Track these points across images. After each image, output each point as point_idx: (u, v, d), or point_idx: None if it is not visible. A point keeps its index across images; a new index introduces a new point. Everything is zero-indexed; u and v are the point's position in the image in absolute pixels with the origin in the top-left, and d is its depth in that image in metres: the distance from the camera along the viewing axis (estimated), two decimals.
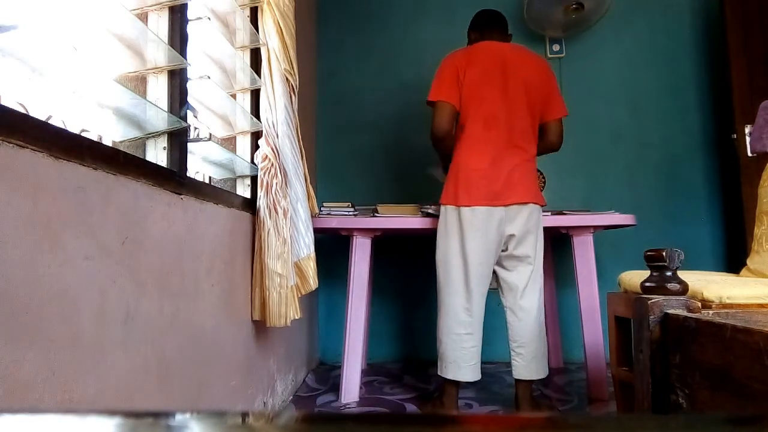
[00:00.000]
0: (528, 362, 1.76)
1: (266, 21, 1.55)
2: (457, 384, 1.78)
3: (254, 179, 1.61)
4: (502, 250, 1.80)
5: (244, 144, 1.64)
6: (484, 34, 1.90)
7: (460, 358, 1.75)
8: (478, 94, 1.77)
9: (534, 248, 1.80)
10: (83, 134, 0.85)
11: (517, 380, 1.80)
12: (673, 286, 1.00)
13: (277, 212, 1.48)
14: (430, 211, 2.03)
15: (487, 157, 1.75)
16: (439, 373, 1.79)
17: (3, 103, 0.64)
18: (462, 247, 1.76)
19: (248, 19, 1.56)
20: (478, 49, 1.82)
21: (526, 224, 1.77)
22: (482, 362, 2.58)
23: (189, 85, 1.20)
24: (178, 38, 1.13)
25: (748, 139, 2.37)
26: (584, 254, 2.07)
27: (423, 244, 2.72)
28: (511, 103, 1.77)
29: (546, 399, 1.98)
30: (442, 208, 1.83)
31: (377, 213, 2.06)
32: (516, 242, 1.78)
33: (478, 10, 2.06)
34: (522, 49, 1.88)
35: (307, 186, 1.75)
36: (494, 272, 1.84)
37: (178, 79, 1.12)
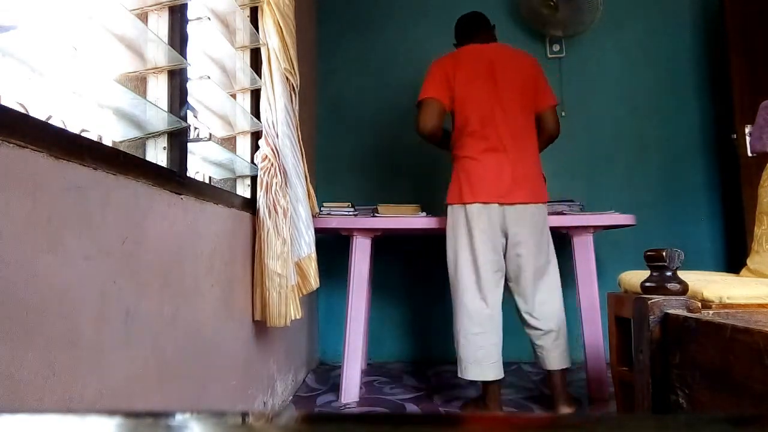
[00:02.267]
0: (549, 351, 1.77)
1: (266, 21, 1.55)
2: (498, 383, 1.77)
3: (254, 179, 1.61)
4: (506, 251, 1.80)
5: (244, 144, 1.64)
6: (466, 39, 1.93)
7: (481, 357, 1.73)
8: (470, 95, 1.79)
9: (538, 247, 1.79)
10: (83, 134, 0.85)
11: (548, 371, 1.80)
12: (673, 286, 1.00)
13: (276, 212, 1.49)
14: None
15: (487, 157, 1.77)
16: (459, 375, 1.77)
17: (3, 103, 0.64)
18: (471, 244, 1.77)
19: (248, 19, 1.56)
20: (463, 53, 1.86)
21: (528, 223, 1.77)
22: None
23: (189, 85, 1.20)
24: (178, 38, 1.13)
25: (748, 139, 2.37)
26: (584, 254, 2.07)
27: (423, 244, 2.72)
28: (504, 102, 1.79)
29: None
30: (449, 208, 1.84)
31: (377, 213, 2.06)
32: (518, 241, 1.78)
33: (481, 11, 2.04)
34: (507, 48, 1.90)
35: (307, 185, 1.75)
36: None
37: (178, 79, 1.12)
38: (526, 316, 1.80)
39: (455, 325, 1.79)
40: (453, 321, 1.81)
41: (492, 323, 1.76)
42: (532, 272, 1.79)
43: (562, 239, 2.44)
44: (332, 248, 2.59)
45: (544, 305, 1.79)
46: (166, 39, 1.10)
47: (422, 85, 1.86)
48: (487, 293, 1.76)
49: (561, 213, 2.09)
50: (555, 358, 1.77)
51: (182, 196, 1.08)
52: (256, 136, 1.64)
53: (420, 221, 2.03)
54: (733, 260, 2.60)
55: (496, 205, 1.75)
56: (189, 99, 1.20)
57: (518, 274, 1.80)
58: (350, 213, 2.07)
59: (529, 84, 1.85)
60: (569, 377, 1.98)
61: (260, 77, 1.60)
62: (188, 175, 1.16)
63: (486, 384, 1.77)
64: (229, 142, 1.62)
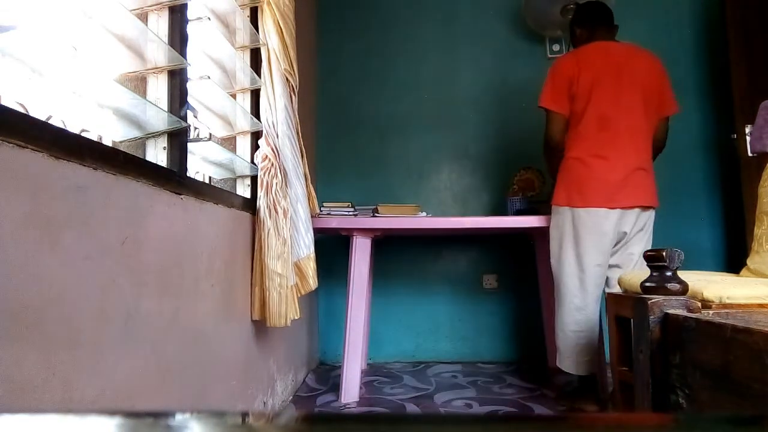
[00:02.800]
0: None
1: (266, 21, 1.55)
2: (592, 379, 1.82)
3: (254, 179, 1.61)
4: (615, 251, 1.82)
5: (244, 144, 1.64)
6: (593, 32, 1.88)
7: (576, 353, 1.79)
8: (591, 97, 1.77)
9: (640, 250, 1.79)
10: (83, 134, 0.85)
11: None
12: (673, 286, 1.01)
13: (277, 212, 1.48)
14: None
15: (597, 160, 1.76)
16: (557, 365, 1.85)
17: (3, 103, 0.64)
18: (576, 248, 1.78)
19: (248, 19, 1.56)
20: (588, 52, 1.81)
21: (639, 225, 1.79)
22: (482, 362, 2.60)
23: (189, 85, 1.20)
24: (178, 38, 1.13)
25: (748, 139, 2.37)
26: None
27: (423, 243, 2.72)
28: (627, 105, 1.77)
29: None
30: (554, 208, 1.85)
31: (377, 213, 2.06)
32: (626, 241, 1.80)
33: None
34: (634, 48, 1.85)
35: (307, 186, 1.75)
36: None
37: (178, 79, 1.12)
38: None
39: (556, 319, 1.85)
40: (555, 313, 1.86)
41: (589, 324, 1.80)
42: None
43: None
44: (332, 248, 2.59)
45: None
46: (166, 39, 1.10)
47: (546, 86, 1.84)
48: (588, 295, 1.79)
49: None
50: None
51: (182, 196, 1.08)
52: (256, 136, 1.64)
53: (420, 221, 2.03)
54: (733, 260, 2.60)
55: (605, 209, 1.75)
56: (189, 99, 1.20)
57: (615, 270, 1.81)
58: (350, 213, 2.07)
59: (655, 88, 1.82)
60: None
61: (260, 77, 1.60)
62: (188, 175, 1.16)
63: (581, 379, 1.83)
64: (229, 142, 1.62)
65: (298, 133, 1.71)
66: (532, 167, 2.53)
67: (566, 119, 1.83)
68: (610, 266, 1.83)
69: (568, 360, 1.80)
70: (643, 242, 1.82)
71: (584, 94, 1.77)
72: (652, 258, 1.05)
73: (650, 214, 1.83)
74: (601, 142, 1.76)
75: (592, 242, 1.76)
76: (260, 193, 1.49)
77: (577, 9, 1.96)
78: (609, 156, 1.74)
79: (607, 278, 1.84)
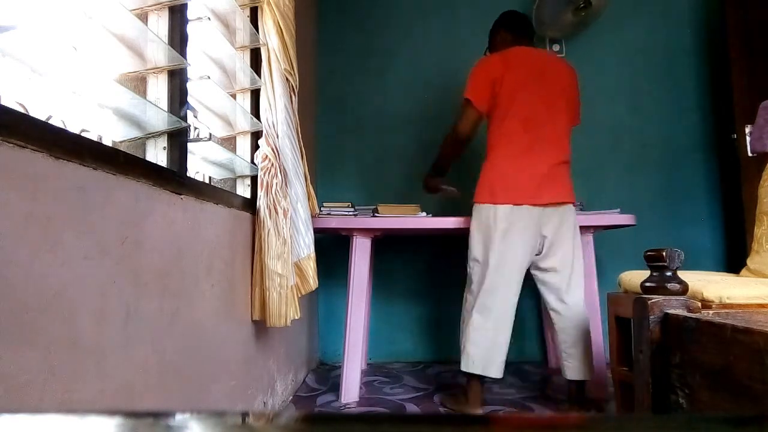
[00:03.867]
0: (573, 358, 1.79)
1: (266, 21, 1.55)
2: (481, 381, 1.79)
3: (254, 179, 1.61)
4: (537, 253, 1.82)
5: (244, 144, 1.64)
6: (517, 38, 1.95)
7: (492, 354, 1.75)
8: (516, 97, 1.80)
9: (571, 247, 1.81)
10: (83, 134, 0.85)
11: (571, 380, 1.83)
12: (673, 286, 1.01)
13: (277, 212, 1.48)
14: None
15: (522, 158, 1.78)
16: (463, 369, 1.77)
17: (3, 103, 0.64)
18: (499, 244, 1.77)
19: (248, 19, 1.56)
20: (514, 54, 1.85)
21: (562, 224, 1.80)
22: None
23: (189, 85, 1.20)
24: (178, 38, 1.13)
25: (748, 139, 2.37)
26: (584, 254, 2.07)
27: (423, 243, 2.72)
28: (550, 108, 1.81)
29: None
30: (477, 206, 1.84)
31: (377, 213, 2.06)
32: (551, 242, 1.79)
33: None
34: (554, 55, 1.94)
35: (307, 186, 1.75)
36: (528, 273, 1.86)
37: (178, 79, 1.12)
38: (554, 315, 1.82)
39: (468, 320, 1.79)
40: (464, 315, 1.81)
41: (507, 323, 1.78)
42: (566, 272, 1.80)
43: None
44: (332, 248, 2.59)
45: (574, 306, 1.80)
46: (166, 39, 1.10)
47: (470, 80, 1.86)
48: (508, 292, 1.78)
49: None
50: (575, 368, 1.79)
51: (182, 196, 1.08)
52: (256, 136, 1.64)
53: (420, 221, 2.03)
54: (733, 260, 2.60)
55: (528, 206, 1.76)
56: (189, 99, 1.20)
57: (552, 273, 1.81)
58: (350, 213, 2.07)
59: (573, 95, 1.90)
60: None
61: (260, 77, 1.60)
62: (188, 175, 1.16)
63: (479, 380, 1.79)
64: (229, 142, 1.62)
65: (298, 133, 1.71)
66: None
67: (480, 117, 1.86)
68: (547, 270, 1.82)
69: (482, 362, 1.74)
70: (570, 239, 1.81)
71: (508, 94, 1.80)
72: (652, 258, 1.05)
73: (571, 211, 1.84)
74: (526, 142, 1.78)
75: (518, 238, 1.76)
76: (260, 193, 1.49)
77: (504, 14, 2.02)
78: (534, 155, 1.78)
79: (547, 282, 1.82)
